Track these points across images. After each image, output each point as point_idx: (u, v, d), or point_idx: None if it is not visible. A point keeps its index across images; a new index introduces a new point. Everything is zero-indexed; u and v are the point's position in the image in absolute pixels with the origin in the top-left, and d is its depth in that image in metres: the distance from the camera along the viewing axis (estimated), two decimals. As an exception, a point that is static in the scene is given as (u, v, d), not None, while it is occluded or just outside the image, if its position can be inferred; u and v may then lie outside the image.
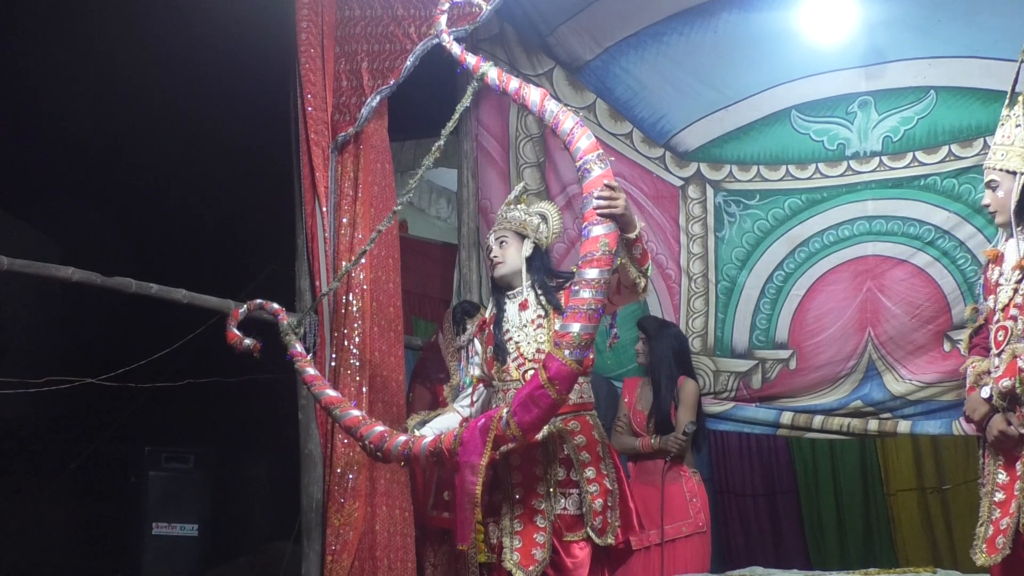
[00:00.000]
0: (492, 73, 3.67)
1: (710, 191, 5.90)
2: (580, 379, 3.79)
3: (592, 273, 3.41)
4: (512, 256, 3.96)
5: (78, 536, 7.03)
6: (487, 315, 4.03)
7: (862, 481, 7.37)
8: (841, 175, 5.73)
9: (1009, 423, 3.51)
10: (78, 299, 6.29)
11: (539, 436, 3.77)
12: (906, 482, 7.30)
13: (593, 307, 3.42)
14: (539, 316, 3.87)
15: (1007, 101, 3.77)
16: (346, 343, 4.94)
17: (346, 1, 5.27)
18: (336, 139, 5.17)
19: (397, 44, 5.16)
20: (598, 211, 3.41)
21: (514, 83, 3.64)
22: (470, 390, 4.09)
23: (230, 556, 6.99)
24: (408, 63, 5.12)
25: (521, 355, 3.86)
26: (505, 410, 3.54)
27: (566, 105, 3.75)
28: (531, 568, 3.71)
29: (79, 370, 5.00)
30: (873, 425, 5.66)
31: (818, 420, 5.72)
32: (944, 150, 5.54)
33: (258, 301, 4.33)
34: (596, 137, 5.80)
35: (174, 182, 6.81)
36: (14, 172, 6.51)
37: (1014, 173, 3.66)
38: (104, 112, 6.37)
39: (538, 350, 3.80)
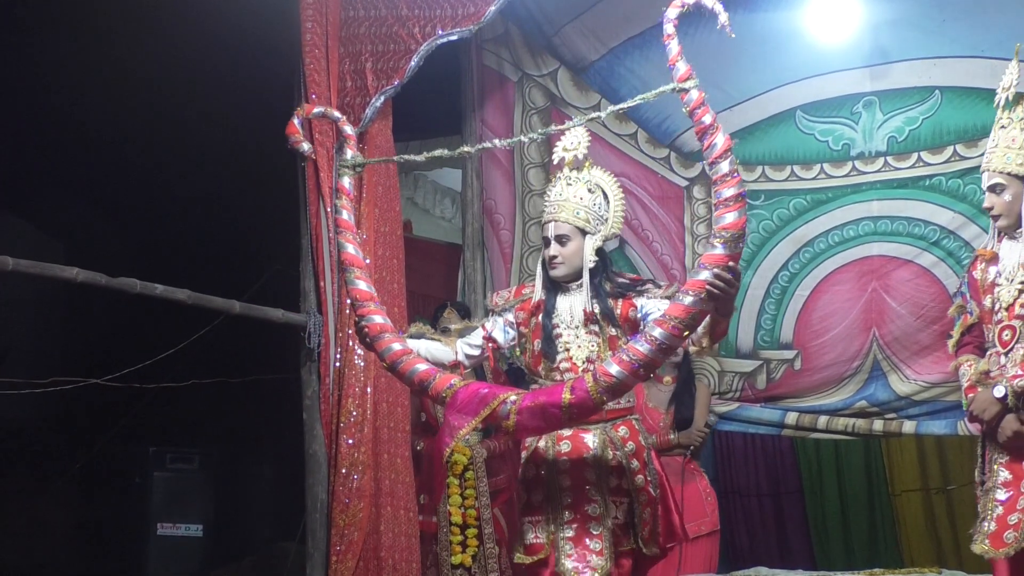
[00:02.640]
0: (694, 94, 3.28)
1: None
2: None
3: (658, 333, 3.24)
4: (573, 256, 3.72)
5: (83, 536, 7.05)
6: (535, 299, 3.80)
7: (867, 481, 7.37)
8: (846, 175, 5.75)
9: (1023, 422, 3.52)
10: (82, 300, 6.29)
11: (590, 442, 3.65)
12: (911, 482, 7.30)
13: (645, 363, 3.28)
14: (593, 322, 3.70)
15: (1002, 103, 3.78)
16: (351, 343, 4.96)
17: (351, 2, 5.28)
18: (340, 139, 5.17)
19: (401, 44, 5.17)
20: (708, 286, 3.20)
21: (707, 117, 3.26)
22: (481, 339, 3.87)
23: (234, 557, 7.00)
24: (412, 63, 5.13)
25: (571, 359, 3.69)
26: (512, 398, 3.40)
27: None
28: None
29: (84, 371, 5.01)
30: (878, 425, 5.69)
31: (823, 420, 5.75)
32: (949, 150, 5.55)
33: (337, 113, 4.01)
34: (602, 138, 6.01)
35: (179, 182, 6.82)
36: (19, 172, 6.52)
37: (1022, 177, 3.67)
38: (108, 112, 6.39)
39: (588, 359, 3.66)
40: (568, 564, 3.55)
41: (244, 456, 7.43)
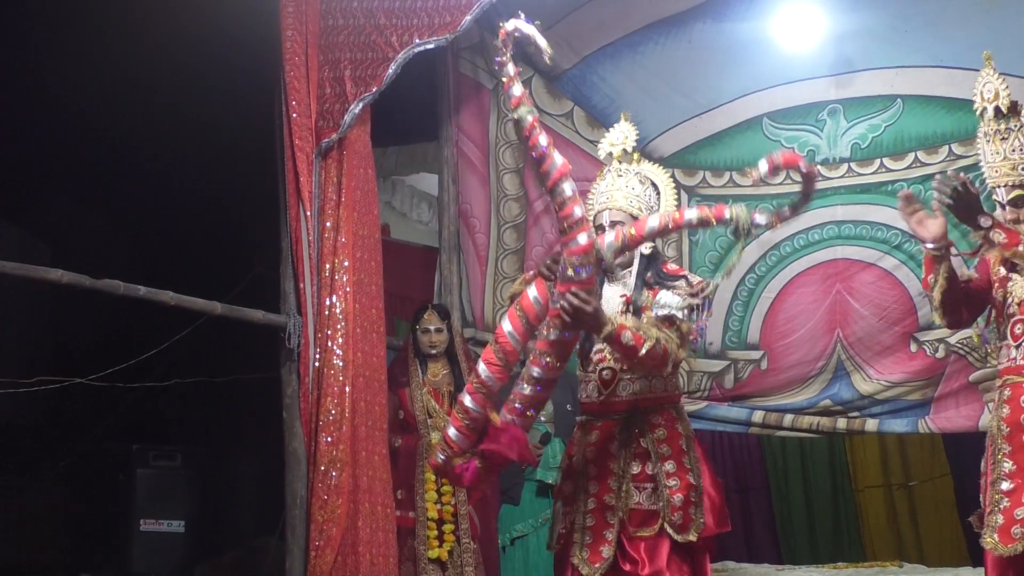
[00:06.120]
0: (527, 119, 3.29)
1: (684, 196, 5.97)
2: (667, 371, 3.58)
3: (535, 371, 3.34)
4: None
5: (68, 532, 7.02)
6: None
7: (831, 478, 7.50)
8: (811, 181, 5.84)
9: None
10: (67, 301, 6.31)
11: (615, 430, 3.64)
12: (873, 479, 7.43)
13: (530, 403, 3.37)
14: (630, 311, 3.61)
15: (990, 112, 3.70)
16: (330, 344, 4.99)
17: (330, 11, 5.30)
18: (320, 145, 5.17)
19: (379, 53, 5.18)
20: (561, 313, 3.26)
21: (543, 139, 3.28)
22: None
23: (216, 552, 6.98)
24: (390, 71, 5.14)
25: (603, 351, 3.63)
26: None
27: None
28: (598, 565, 3.54)
29: (69, 370, 5.01)
30: (842, 423, 5.77)
31: (789, 419, 5.82)
32: (910, 157, 5.65)
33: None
34: (573, 143, 6.10)
35: (163, 187, 6.82)
36: (4, 175, 6.50)
37: None
38: (93, 115, 6.36)
39: None
40: (583, 554, 3.56)
41: (226, 454, 7.40)
